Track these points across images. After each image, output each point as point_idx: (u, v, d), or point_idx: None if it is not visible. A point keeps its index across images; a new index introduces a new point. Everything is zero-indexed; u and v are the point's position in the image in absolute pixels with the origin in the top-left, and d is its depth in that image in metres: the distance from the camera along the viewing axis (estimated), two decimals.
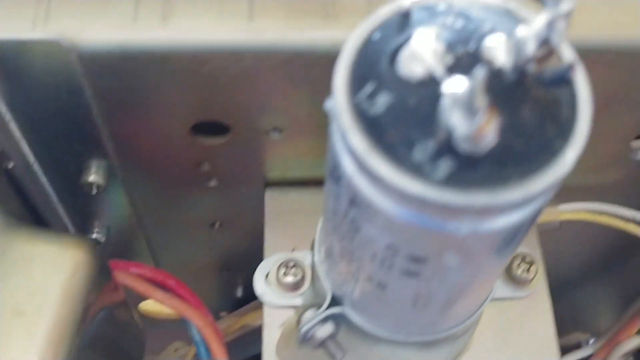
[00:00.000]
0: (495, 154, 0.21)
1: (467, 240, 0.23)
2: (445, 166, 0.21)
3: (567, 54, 0.22)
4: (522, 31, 0.21)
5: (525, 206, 0.22)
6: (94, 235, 0.41)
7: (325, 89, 0.31)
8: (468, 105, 0.20)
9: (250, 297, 0.52)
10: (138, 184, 0.38)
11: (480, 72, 0.20)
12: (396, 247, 0.24)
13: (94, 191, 0.36)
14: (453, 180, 0.21)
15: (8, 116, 0.32)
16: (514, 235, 0.24)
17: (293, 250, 0.36)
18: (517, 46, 0.22)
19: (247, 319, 0.48)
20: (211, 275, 0.49)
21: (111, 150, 0.35)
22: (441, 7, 0.24)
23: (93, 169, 0.36)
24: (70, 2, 0.30)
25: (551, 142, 0.22)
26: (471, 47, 0.23)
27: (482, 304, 0.31)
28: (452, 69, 0.22)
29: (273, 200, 0.39)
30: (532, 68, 0.22)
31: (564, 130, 0.22)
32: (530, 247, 0.37)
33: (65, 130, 0.33)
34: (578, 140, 0.22)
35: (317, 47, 0.30)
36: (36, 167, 0.35)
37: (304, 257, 0.36)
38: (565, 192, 0.41)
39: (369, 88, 0.22)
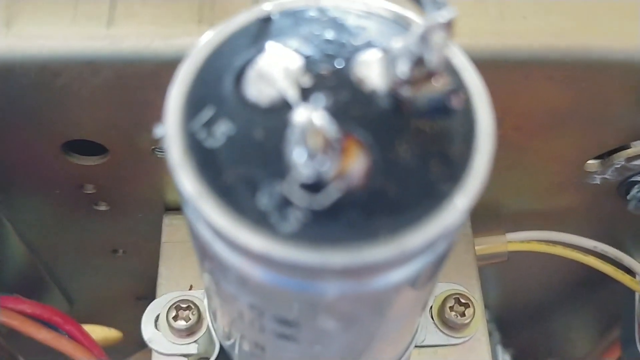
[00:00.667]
0: (360, 201, 0.17)
1: (338, 303, 0.19)
2: (296, 216, 0.17)
3: (466, 75, 0.18)
4: (396, 45, 0.17)
5: (407, 263, 0.18)
6: None
7: None
8: (314, 134, 0.16)
9: None
10: (18, 207, 0.34)
11: (319, 98, 0.16)
12: (260, 309, 0.20)
13: None
14: (305, 235, 0.17)
15: None
16: (404, 295, 0.20)
17: (190, 288, 0.32)
18: (391, 65, 0.17)
19: None
20: (129, 304, 0.45)
21: None
22: (311, 12, 0.20)
23: None
24: None
25: (436, 185, 0.18)
26: (339, 64, 0.18)
27: (404, 347, 0.27)
28: (310, 92, 0.18)
29: (171, 228, 0.35)
30: (406, 92, 0.17)
31: (454, 170, 0.18)
32: (467, 283, 0.33)
33: None
34: (472, 183, 0.18)
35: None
36: None
37: (202, 296, 0.31)
38: (516, 218, 0.38)
39: (207, 114, 0.18)
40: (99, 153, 0.30)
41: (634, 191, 0.34)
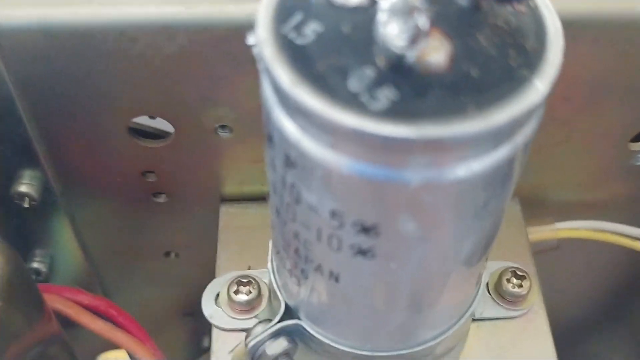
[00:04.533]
0: (447, 82, 0.18)
1: (421, 194, 0.19)
2: (386, 95, 0.18)
3: None
4: None
5: (490, 148, 0.19)
6: (35, 265, 0.37)
7: None
8: (403, 9, 0.17)
9: None
10: (79, 199, 0.35)
11: None
12: (341, 214, 0.21)
13: (26, 204, 0.32)
14: (396, 111, 0.18)
15: None
16: (485, 192, 0.20)
17: (249, 268, 0.32)
18: None
19: None
20: (172, 322, 0.45)
21: (44, 156, 0.32)
22: None
23: (26, 179, 0.32)
24: None
25: (516, 71, 0.19)
26: None
27: (463, 310, 0.27)
28: None
29: (228, 216, 0.35)
30: None
31: (531, 59, 0.19)
32: (522, 262, 0.33)
33: None
34: (549, 69, 0.19)
35: None
36: None
37: (261, 274, 0.32)
38: (562, 209, 0.38)
39: (297, 18, 0.19)
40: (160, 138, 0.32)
41: None
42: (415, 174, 0.19)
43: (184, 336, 0.46)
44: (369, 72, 0.18)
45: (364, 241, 0.21)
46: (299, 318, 0.27)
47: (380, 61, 0.18)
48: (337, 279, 0.23)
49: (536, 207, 0.36)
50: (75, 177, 0.34)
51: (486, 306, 0.32)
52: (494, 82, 0.18)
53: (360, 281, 0.23)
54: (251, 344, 0.27)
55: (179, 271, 0.41)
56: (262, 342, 0.27)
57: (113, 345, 0.34)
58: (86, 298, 0.34)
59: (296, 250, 0.24)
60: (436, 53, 0.18)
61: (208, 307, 0.31)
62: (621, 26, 0.28)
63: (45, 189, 0.33)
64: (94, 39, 0.27)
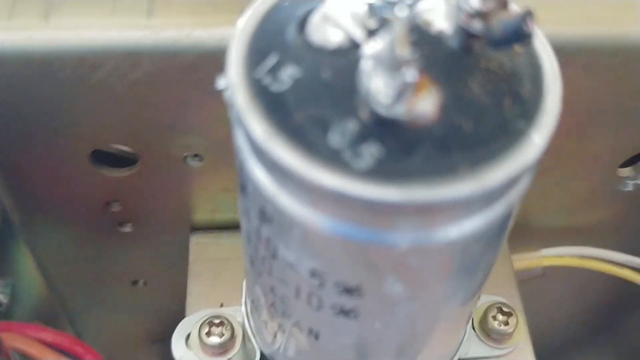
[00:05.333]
0: (437, 135, 0.16)
1: (409, 257, 0.18)
2: (370, 152, 0.16)
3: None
4: None
5: (483, 207, 0.17)
6: None
7: None
8: (389, 61, 0.15)
9: None
10: (40, 229, 0.33)
11: (399, 18, 0.15)
12: (321, 275, 0.19)
13: None
14: (381, 170, 0.16)
15: None
16: (475, 252, 0.19)
17: (221, 306, 0.30)
18: (457, 4, 0.17)
19: None
20: (141, 349, 0.43)
21: (2, 186, 0.29)
22: None
23: None
24: None
25: (511, 123, 0.17)
26: (400, 10, 0.18)
27: (451, 353, 0.26)
28: (376, 34, 0.17)
29: (199, 247, 0.33)
30: (477, 25, 0.17)
31: (528, 109, 0.17)
32: (507, 295, 0.32)
33: None
34: (547, 120, 0.17)
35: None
36: None
37: (234, 313, 0.30)
38: (548, 235, 0.37)
39: (271, 60, 0.18)
40: (126, 166, 0.30)
41: None
42: (402, 237, 0.17)
43: None
44: (352, 126, 0.16)
45: (346, 301, 0.19)
46: None
47: (364, 113, 0.16)
48: (316, 337, 0.22)
49: (521, 233, 0.35)
50: (36, 206, 0.32)
51: (471, 344, 0.30)
52: (487, 137, 0.17)
53: (342, 339, 0.21)
54: None
55: (148, 299, 0.39)
56: None
57: None
58: (50, 335, 0.32)
59: (272, 304, 0.22)
60: (425, 104, 0.16)
61: (178, 349, 0.30)
62: (612, 52, 0.27)
63: (3, 219, 0.31)
64: (50, 66, 0.25)
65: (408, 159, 0.16)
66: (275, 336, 0.24)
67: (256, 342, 0.26)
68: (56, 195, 0.31)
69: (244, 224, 0.21)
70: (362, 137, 0.16)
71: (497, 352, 0.30)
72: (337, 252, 0.18)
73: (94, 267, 0.37)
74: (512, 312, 0.30)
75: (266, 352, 0.26)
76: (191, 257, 0.33)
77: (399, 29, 0.15)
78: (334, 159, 0.16)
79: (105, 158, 0.30)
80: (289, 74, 0.17)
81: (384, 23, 0.18)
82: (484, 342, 0.30)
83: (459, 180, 0.16)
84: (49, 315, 0.38)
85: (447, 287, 0.20)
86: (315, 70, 0.17)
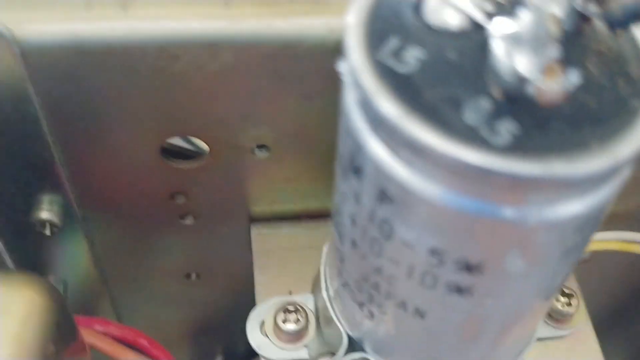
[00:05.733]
0: (566, 114, 0.17)
1: (537, 232, 0.18)
2: (507, 128, 0.16)
3: None
4: None
5: (605, 182, 0.17)
6: None
7: (318, 90, 0.27)
8: (532, 40, 0.15)
9: None
10: (100, 224, 0.33)
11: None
12: (443, 253, 0.19)
13: (48, 232, 0.30)
14: (521, 146, 0.16)
15: None
16: (589, 226, 0.19)
17: (290, 293, 0.30)
18: None
19: None
20: (184, 343, 0.43)
21: (67, 180, 0.29)
22: None
23: (45, 204, 0.30)
24: None
25: (627, 100, 0.18)
26: None
27: (532, 336, 0.26)
28: (493, 16, 0.18)
29: (261, 238, 0.34)
30: (593, 10, 0.17)
31: (638, 88, 0.18)
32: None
33: (9, 153, 0.28)
34: None
35: (306, 37, 0.25)
36: None
37: (305, 300, 0.30)
38: None
39: (393, 43, 0.18)
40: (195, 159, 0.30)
41: None
42: (533, 212, 0.17)
43: (196, 356, 0.44)
44: (485, 103, 0.17)
45: (464, 279, 0.20)
46: (363, 350, 0.26)
47: (497, 91, 0.17)
48: (422, 316, 0.22)
49: None
50: (98, 200, 0.32)
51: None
52: (611, 114, 0.17)
53: (449, 317, 0.22)
54: None
55: (197, 292, 0.40)
56: None
57: None
58: (116, 329, 0.32)
59: (375, 285, 0.22)
60: (556, 83, 0.16)
61: (254, 337, 0.30)
62: None
63: (66, 213, 0.31)
64: (131, 57, 0.25)
65: (543, 135, 0.16)
66: (371, 318, 0.24)
67: (342, 326, 0.26)
68: (121, 189, 0.31)
69: (348, 208, 0.21)
70: (497, 114, 0.17)
71: (560, 333, 0.31)
72: (466, 230, 0.18)
73: (149, 260, 0.37)
74: (573, 293, 0.31)
75: (355, 335, 0.26)
76: (254, 248, 0.33)
77: (546, 10, 0.15)
78: (471, 136, 0.16)
79: (172, 152, 0.30)
80: (413, 55, 0.18)
81: (499, 6, 0.18)
82: (547, 323, 0.31)
83: (593, 154, 0.16)
84: (96, 308, 0.38)
85: (558, 264, 0.20)
86: (440, 51, 0.18)
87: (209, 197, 0.32)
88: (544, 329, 0.31)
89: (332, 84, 0.27)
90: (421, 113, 0.17)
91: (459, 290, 0.20)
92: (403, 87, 0.17)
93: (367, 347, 0.26)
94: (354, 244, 0.22)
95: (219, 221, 0.34)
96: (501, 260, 0.19)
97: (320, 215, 0.34)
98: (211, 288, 0.39)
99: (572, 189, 0.17)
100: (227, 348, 0.46)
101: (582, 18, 0.18)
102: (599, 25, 0.18)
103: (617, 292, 0.45)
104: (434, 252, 0.19)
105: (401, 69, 0.17)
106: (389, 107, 0.17)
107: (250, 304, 0.37)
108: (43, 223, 0.31)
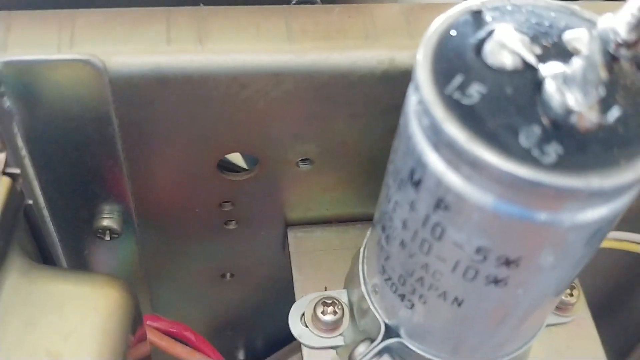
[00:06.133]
0: (600, 138, 0.21)
1: (568, 233, 0.22)
2: (554, 150, 0.20)
3: None
4: (607, 20, 0.21)
5: (626, 192, 0.22)
6: None
7: (363, 112, 0.31)
8: (585, 81, 0.20)
9: None
10: (152, 229, 0.36)
11: (595, 47, 0.20)
12: (487, 250, 0.23)
13: (108, 237, 0.33)
14: (564, 164, 0.20)
15: (24, 152, 0.29)
16: (607, 226, 0.23)
17: (325, 289, 0.34)
18: (604, 35, 0.21)
19: None
20: (210, 338, 0.46)
21: (129, 192, 0.32)
22: (509, 7, 0.24)
23: (106, 213, 0.33)
24: (96, 27, 0.28)
25: None
26: (553, 39, 0.23)
27: (544, 322, 0.30)
28: (542, 58, 0.22)
29: (297, 240, 0.37)
30: (624, 53, 0.21)
31: None
32: None
33: (83, 169, 0.31)
34: None
35: (359, 67, 0.29)
36: (45, 211, 0.32)
37: (339, 295, 0.34)
38: None
39: (458, 80, 0.22)
40: (241, 170, 0.33)
41: None
42: (568, 217, 0.21)
43: (220, 350, 0.48)
44: (536, 130, 0.21)
45: (501, 272, 0.24)
46: (399, 336, 0.30)
47: (546, 120, 0.21)
48: (460, 304, 0.26)
49: None
50: (154, 209, 0.35)
51: None
52: (635, 137, 0.21)
53: (482, 305, 0.26)
54: None
55: (229, 291, 0.43)
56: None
57: None
58: (164, 324, 0.35)
59: (420, 279, 0.26)
60: (593, 113, 0.21)
61: (296, 327, 0.33)
62: None
63: (125, 221, 0.34)
64: (205, 85, 0.28)
65: (582, 155, 0.20)
66: (411, 307, 0.28)
67: (380, 316, 0.30)
68: (176, 199, 0.34)
69: (401, 214, 0.25)
70: (546, 139, 0.20)
71: (562, 320, 0.35)
72: (510, 231, 0.22)
73: (189, 261, 0.40)
74: (575, 285, 0.35)
75: (392, 323, 0.30)
76: (291, 249, 0.37)
77: (597, 55, 0.19)
78: (526, 156, 0.20)
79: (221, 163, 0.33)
80: (476, 90, 0.21)
81: (546, 49, 0.22)
82: (553, 312, 0.35)
83: (621, 170, 0.20)
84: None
85: (580, 259, 0.24)
86: (498, 87, 0.21)
87: (253, 205, 0.36)
88: (551, 317, 0.36)
89: (375, 107, 0.31)
90: (483, 137, 0.21)
91: (496, 281, 0.24)
92: (468, 116, 0.21)
93: (402, 333, 0.30)
94: (402, 244, 0.26)
95: (258, 226, 0.37)
96: (536, 256, 0.23)
97: (349, 220, 0.37)
98: (242, 287, 0.42)
99: (602, 198, 0.21)
100: (248, 344, 0.50)
101: (612, 59, 0.22)
102: (625, 64, 0.22)
103: (611, 285, 0.50)
104: (479, 250, 0.23)
105: (466, 101, 0.21)
106: (457, 133, 0.21)
107: (275, 303, 0.41)
108: (104, 230, 0.34)
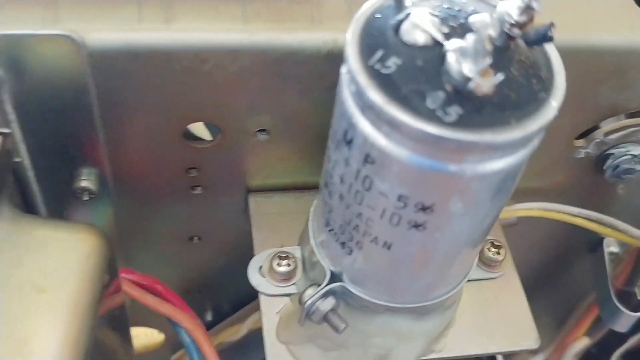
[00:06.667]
0: (495, 102, 0.25)
1: (471, 182, 0.26)
2: (455, 111, 0.24)
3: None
4: (503, 5, 0.25)
5: (519, 149, 0.26)
6: None
7: (312, 87, 0.35)
8: (475, 53, 0.24)
9: (219, 321, 0.53)
10: (127, 193, 0.39)
11: (483, 26, 0.24)
12: (407, 198, 0.27)
13: (86, 197, 0.37)
14: (463, 122, 0.24)
15: (12, 116, 0.33)
16: (508, 180, 0.27)
17: (281, 246, 0.38)
18: (501, 17, 0.25)
19: (222, 337, 0.49)
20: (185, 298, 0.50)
21: (105, 156, 0.36)
22: None
23: (85, 175, 0.37)
24: (76, 6, 0.32)
25: (537, 94, 0.26)
26: (460, 21, 0.27)
27: (467, 271, 0.34)
28: (448, 36, 0.26)
29: (257, 204, 0.41)
30: (516, 32, 0.26)
31: (546, 85, 0.26)
32: (496, 235, 0.41)
33: (64, 134, 0.34)
34: (558, 92, 0.26)
35: (306, 47, 0.33)
36: (30, 172, 0.36)
37: (293, 250, 0.38)
38: (521, 194, 0.46)
39: (379, 54, 0.26)
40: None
41: (608, 162, 0.43)
42: (469, 168, 0.25)
43: None
44: (441, 95, 0.25)
45: (420, 217, 0.28)
46: (342, 281, 0.34)
47: (448, 87, 0.25)
48: (389, 247, 0.30)
49: None
50: (127, 173, 0.38)
51: (472, 270, 0.39)
52: (525, 102, 0.25)
53: (408, 248, 0.30)
54: (308, 303, 0.33)
55: (196, 254, 0.47)
56: (315, 301, 0.33)
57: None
58: (136, 276, 0.39)
59: (356, 227, 0.30)
60: (488, 81, 0.25)
61: (254, 278, 0.37)
62: (576, 50, 0.36)
63: (101, 183, 0.38)
64: (170, 60, 0.32)
65: (478, 116, 0.25)
66: (350, 254, 0.32)
67: (326, 264, 0.34)
68: (147, 164, 0.38)
69: (339, 170, 0.29)
70: (448, 102, 0.24)
71: (491, 275, 0.40)
72: (423, 180, 0.26)
73: (159, 224, 0.43)
74: (501, 245, 0.40)
75: (336, 270, 0.34)
76: (251, 212, 0.41)
77: (484, 34, 0.23)
78: (431, 116, 0.24)
79: (187, 132, 0.37)
80: (393, 62, 0.25)
81: (453, 29, 0.26)
82: (481, 268, 0.39)
83: (511, 128, 0.24)
84: None
85: (487, 207, 0.28)
86: (411, 59, 0.25)
87: (216, 172, 0.39)
88: (479, 272, 0.40)
89: (322, 83, 0.35)
90: (398, 101, 0.25)
91: (416, 225, 0.28)
92: (386, 83, 0.25)
93: (345, 278, 0.34)
94: (341, 197, 0.30)
95: (222, 191, 0.41)
96: (446, 203, 0.27)
97: (304, 188, 0.41)
98: (209, 250, 0.46)
99: (496, 152, 0.25)
100: (215, 305, 0.54)
101: (509, 38, 0.26)
102: (521, 42, 0.26)
103: (546, 258, 0.55)
104: (400, 197, 0.27)
105: (385, 71, 0.25)
106: (376, 97, 0.25)
107: (239, 265, 0.45)
108: (82, 191, 0.37)
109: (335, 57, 0.33)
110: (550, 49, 0.28)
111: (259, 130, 0.37)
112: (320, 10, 0.34)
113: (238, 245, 0.45)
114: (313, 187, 0.42)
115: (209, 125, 0.38)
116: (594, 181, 0.45)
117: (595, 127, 0.42)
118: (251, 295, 0.47)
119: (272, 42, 0.33)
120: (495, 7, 0.27)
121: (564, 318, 0.59)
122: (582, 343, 0.56)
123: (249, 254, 0.40)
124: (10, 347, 0.28)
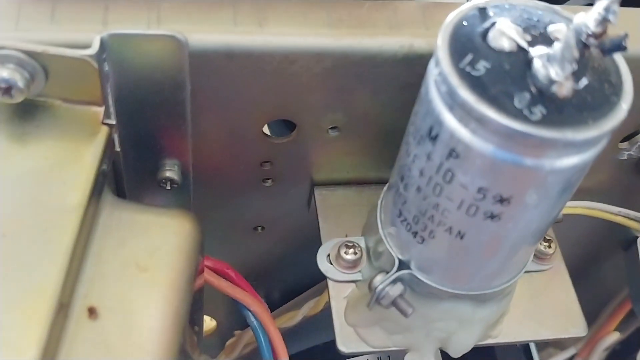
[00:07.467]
0: (574, 104, 0.27)
1: (548, 175, 0.28)
2: (539, 111, 0.27)
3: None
4: (580, 17, 0.28)
5: (592, 146, 0.28)
6: None
7: (384, 88, 0.37)
8: (562, 58, 0.26)
9: (272, 310, 0.55)
10: (203, 183, 0.42)
11: (571, 35, 0.26)
12: (486, 190, 0.29)
13: (168, 187, 0.39)
14: (547, 121, 0.27)
15: (112, 109, 0.35)
16: (579, 175, 0.30)
17: (346, 236, 0.41)
18: (578, 28, 0.28)
19: (279, 322, 0.51)
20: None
21: (189, 149, 0.39)
22: (507, 6, 0.31)
23: (168, 166, 0.39)
24: (177, 12, 0.34)
25: (609, 97, 0.28)
26: (539, 30, 0.29)
27: (528, 261, 0.37)
28: (531, 43, 0.28)
29: (322, 197, 0.43)
30: (592, 42, 0.28)
31: (617, 90, 0.29)
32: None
33: (156, 127, 0.37)
34: (628, 96, 0.28)
35: (384, 50, 0.35)
36: (119, 163, 0.38)
37: (358, 240, 0.40)
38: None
39: (468, 57, 0.28)
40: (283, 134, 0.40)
41: None
42: (548, 162, 0.28)
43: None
44: (527, 96, 0.27)
45: (496, 208, 0.30)
46: (409, 268, 0.36)
47: (533, 89, 0.27)
48: (462, 237, 0.32)
49: None
50: (207, 165, 0.41)
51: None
52: (600, 105, 0.28)
53: (480, 237, 0.32)
54: (378, 288, 0.36)
55: (258, 243, 0.49)
56: (385, 287, 0.36)
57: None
58: (210, 262, 0.42)
59: (431, 217, 0.33)
60: (569, 84, 0.27)
61: (323, 264, 0.40)
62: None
63: (184, 174, 0.40)
64: (262, 60, 0.35)
65: (560, 116, 0.27)
66: (421, 242, 0.34)
67: (394, 252, 0.36)
68: (226, 157, 0.40)
69: (419, 164, 0.31)
70: (533, 102, 0.27)
71: (542, 267, 0.42)
72: (504, 174, 0.29)
73: (229, 214, 0.46)
74: (552, 239, 0.42)
75: (404, 258, 0.36)
76: (318, 204, 0.43)
77: (571, 41, 0.26)
78: (518, 115, 0.27)
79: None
80: (482, 65, 0.28)
81: (534, 38, 0.29)
82: (533, 260, 0.42)
83: (589, 128, 0.27)
84: None
85: (558, 200, 0.31)
86: (499, 63, 0.28)
87: (288, 165, 0.42)
88: (532, 265, 0.42)
89: (394, 84, 0.37)
90: (487, 100, 0.27)
91: (492, 216, 0.31)
92: (476, 84, 0.28)
93: (413, 266, 0.36)
94: (418, 189, 0.32)
95: (290, 184, 0.43)
96: (524, 195, 0.30)
97: (366, 182, 0.44)
98: (270, 240, 0.49)
99: (573, 149, 0.28)
100: (268, 294, 0.56)
101: (585, 47, 0.28)
102: (594, 51, 0.29)
103: (585, 254, 0.57)
104: (480, 190, 0.30)
105: (475, 73, 0.28)
106: (467, 96, 0.27)
107: (296, 254, 0.47)
108: (166, 180, 0.40)
109: (409, 61, 0.35)
110: (617, 56, 0.30)
111: (331, 127, 0.40)
112: (397, 16, 0.36)
113: (298, 236, 0.48)
114: (373, 182, 0.45)
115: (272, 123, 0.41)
116: (634, 182, 0.47)
117: (638, 131, 0.45)
118: (303, 285, 0.50)
119: (355, 46, 0.35)
120: (568, 18, 0.30)
121: (596, 314, 0.61)
122: (612, 337, 0.58)
123: (306, 245, 0.43)
124: (117, 320, 0.31)
